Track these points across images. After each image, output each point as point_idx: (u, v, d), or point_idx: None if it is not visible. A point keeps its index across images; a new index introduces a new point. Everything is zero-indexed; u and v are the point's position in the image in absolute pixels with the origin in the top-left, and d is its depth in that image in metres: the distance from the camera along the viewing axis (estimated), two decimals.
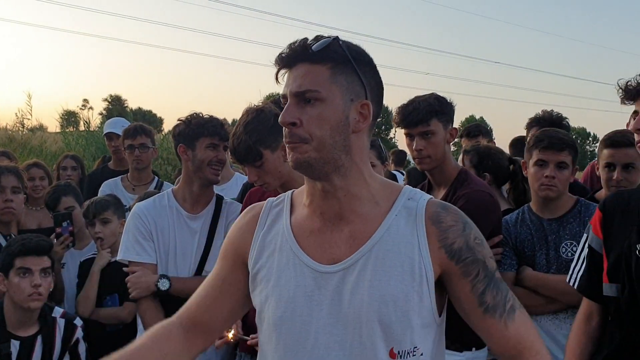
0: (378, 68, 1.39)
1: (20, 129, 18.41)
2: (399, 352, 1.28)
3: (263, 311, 1.39)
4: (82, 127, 20.47)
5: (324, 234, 1.36)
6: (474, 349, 2.57)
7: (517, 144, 4.05)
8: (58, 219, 3.34)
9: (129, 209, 3.85)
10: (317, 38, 1.31)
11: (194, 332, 1.52)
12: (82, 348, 2.88)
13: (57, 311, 2.88)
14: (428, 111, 2.55)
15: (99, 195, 3.82)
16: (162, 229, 2.71)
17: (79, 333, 2.88)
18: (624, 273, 1.85)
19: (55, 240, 3.24)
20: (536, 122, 3.62)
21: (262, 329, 1.41)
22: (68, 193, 3.66)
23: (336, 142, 1.30)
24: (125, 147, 4.24)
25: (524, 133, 3.86)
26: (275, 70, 1.35)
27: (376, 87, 1.37)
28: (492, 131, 4.72)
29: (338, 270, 1.32)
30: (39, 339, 2.77)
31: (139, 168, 4.25)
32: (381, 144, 3.63)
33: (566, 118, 3.63)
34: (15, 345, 2.71)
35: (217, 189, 3.87)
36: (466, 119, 63.18)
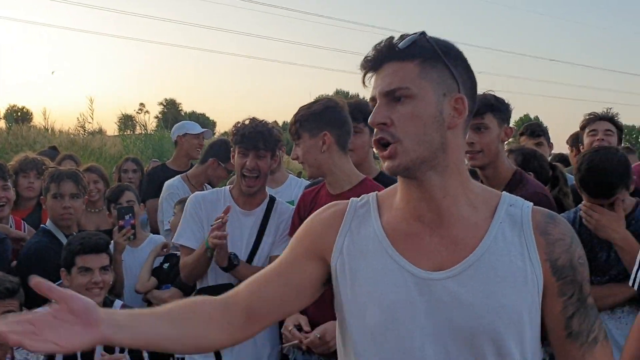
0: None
1: (82, 132, 19.13)
2: None
3: (357, 317, 1.30)
4: (138, 130, 21.16)
5: (422, 239, 1.29)
6: None
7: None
8: (121, 212, 3.41)
9: None
10: (403, 36, 1.27)
11: (241, 318, 1.37)
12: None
13: (117, 304, 2.97)
14: (483, 104, 2.51)
15: (162, 194, 4.16)
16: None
17: None
18: None
19: (117, 233, 3.35)
20: (591, 121, 3.67)
21: (355, 337, 1.31)
22: (130, 189, 3.82)
23: (433, 139, 1.24)
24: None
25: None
26: (361, 74, 1.31)
27: (469, 81, 1.30)
28: (547, 130, 4.66)
29: (443, 277, 1.24)
30: None
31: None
32: None
33: (617, 114, 3.65)
34: None
35: (271, 191, 4.00)
36: (520, 118, 61.72)
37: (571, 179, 3.40)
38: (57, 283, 2.92)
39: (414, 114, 1.23)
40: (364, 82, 1.31)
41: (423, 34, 1.27)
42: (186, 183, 4.33)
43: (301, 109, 2.55)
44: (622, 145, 3.92)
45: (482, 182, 2.69)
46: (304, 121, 2.50)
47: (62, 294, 1.17)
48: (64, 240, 3.19)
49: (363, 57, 1.30)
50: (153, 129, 19.13)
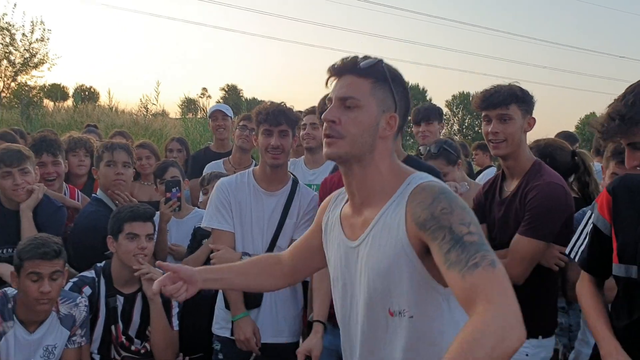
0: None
1: (144, 113, 19.72)
2: (394, 312, 1.61)
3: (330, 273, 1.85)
4: (200, 114, 21.62)
5: (352, 218, 1.73)
6: (540, 337, 2.60)
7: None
8: (169, 185, 3.62)
9: None
10: (365, 57, 1.63)
11: (288, 269, 2.03)
12: (174, 303, 3.12)
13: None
14: (508, 95, 2.59)
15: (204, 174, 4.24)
16: (241, 203, 2.94)
17: None
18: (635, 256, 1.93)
19: (164, 205, 3.57)
20: None
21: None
22: (175, 165, 4.04)
23: (365, 142, 1.61)
24: (238, 126, 4.58)
25: None
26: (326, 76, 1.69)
27: (404, 105, 1.68)
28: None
29: (355, 246, 1.69)
30: (139, 295, 3.09)
31: (244, 148, 4.57)
32: (449, 148, 3.55)
33: None
34: (120, 300, 3.06)
35: (310, 172, 4.07)
36: (586, 115, 59.46)
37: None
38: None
39: (357, 120, 1.60)
40: (326, 84, 1.70)
41: (381, 60, 1.64)
42: (226, 166, 4.55)
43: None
44: None
45: (503, 172, 2.79)
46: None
47: (175, 267, 1.87)
48: (114, 208, 3.43)
49: (331, 64, 1.67)
50: None
